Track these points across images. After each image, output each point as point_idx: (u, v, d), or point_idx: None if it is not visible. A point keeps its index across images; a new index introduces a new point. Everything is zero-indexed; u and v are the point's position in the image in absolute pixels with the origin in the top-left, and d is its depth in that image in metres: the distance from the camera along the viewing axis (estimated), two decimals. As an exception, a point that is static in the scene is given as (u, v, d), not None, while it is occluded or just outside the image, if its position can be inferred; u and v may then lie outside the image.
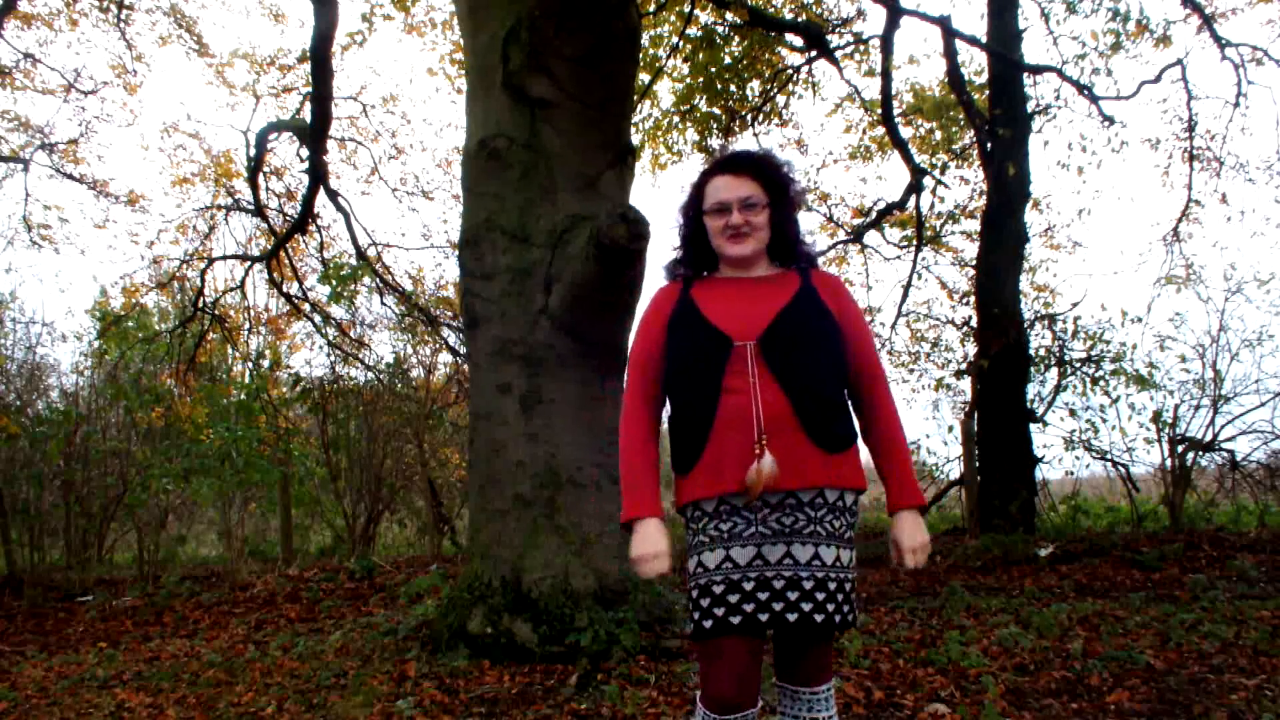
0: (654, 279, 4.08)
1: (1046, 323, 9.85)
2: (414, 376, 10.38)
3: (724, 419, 1.91)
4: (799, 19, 9.22)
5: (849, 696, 3.41)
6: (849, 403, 2.05)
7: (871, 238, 11.48)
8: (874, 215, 10.74)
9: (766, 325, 1.94)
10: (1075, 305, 13.48)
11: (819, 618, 1.87)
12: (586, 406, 4.39)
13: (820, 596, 1.88)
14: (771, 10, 9.31)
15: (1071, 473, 9.23)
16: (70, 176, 10.60)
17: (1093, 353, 9.20)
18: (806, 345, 1.94)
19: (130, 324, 10.18)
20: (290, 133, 8.95)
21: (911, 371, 11.88)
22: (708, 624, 1.88)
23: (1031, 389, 9.19)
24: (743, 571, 1.89)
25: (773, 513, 1.90)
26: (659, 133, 10.06)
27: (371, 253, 10.17)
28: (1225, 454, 8.64)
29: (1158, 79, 9.10)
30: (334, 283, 9.58)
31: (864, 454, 2.08)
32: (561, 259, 4.38)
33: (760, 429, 1.88)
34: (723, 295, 2.03)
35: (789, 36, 9.17)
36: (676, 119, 9.88)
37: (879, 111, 9.50)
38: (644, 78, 8.80)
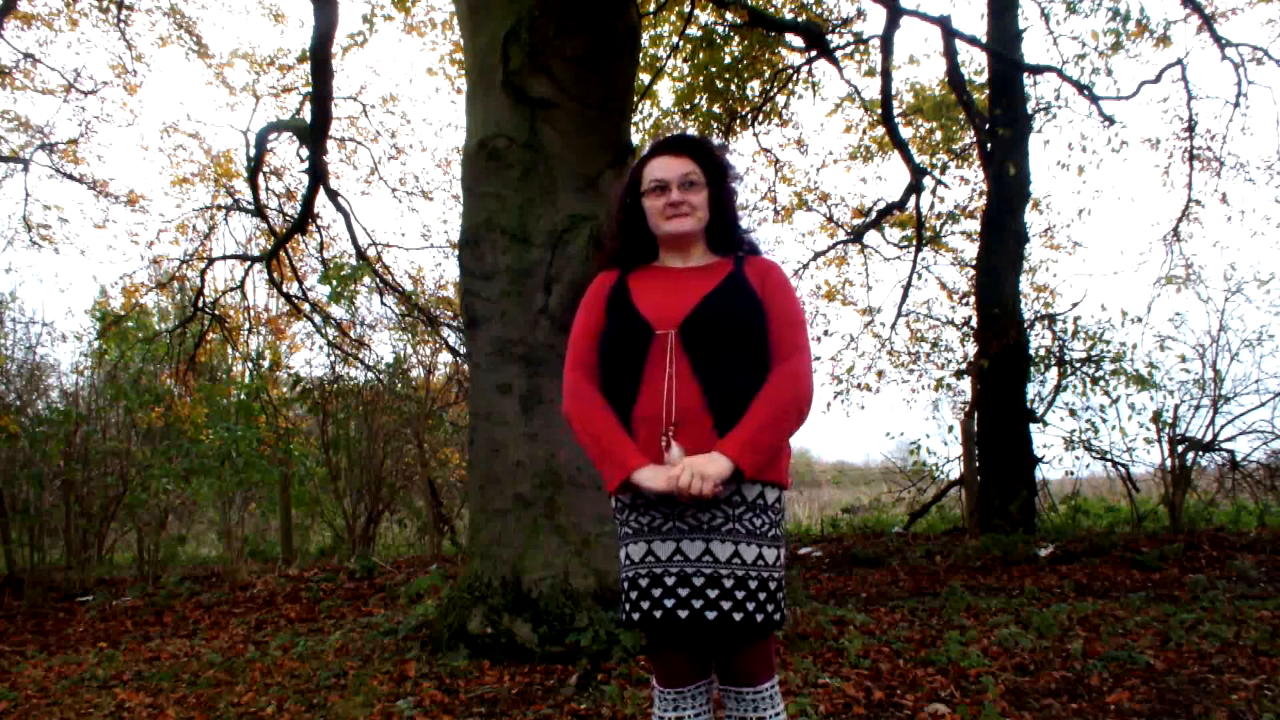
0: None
1: (1046, 323, 9.85)
2: (414, 376, 10.39)
3: (642, 410, 1.92)
4: (799, 19, 9.22)
5: (849, 696, 3.41)
6: None
7: (871, 238, 11.49)
8: (874, 215, 10.74)
9: (688, 313, 1.94)
10: (1075, 305, 13.45)
11: (738, 616, 1.87)
12: (586, 406, 4.38)
13: (740, 595, 1.87)
14: (771, 10, 9.31)
15: (1071, 473, 9.24)
16: (70, 176, 10.60)
17: (1093, 353, 9.20)
18: (727, 334, 1.93)
19: (130, 324, 10.18)
20: (290, 133, 8.95)
21: (911, 371, 11.88)
22: (635, 616, 1.92)
23: (1031, 389, 9.20)
24: (664, 566, 1.90)
25: (689, 509, 1.90)
26: (659, 132, 10.06)
27: (371, 253, 10.18)
28: (1225, 454, 8.65)
29: (1158, 79, 9.11)
30: (334, 283, 9.58)
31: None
32: (561, 259, 4.39)
33: (668, 421, 1.88)
34: (655, 283, 2.05)
35: (789, 36, 9.17)
36: (677, 119, 9.88)
37: (879, 111, 9.50)
38: (644, 78, 8.80)
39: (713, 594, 1.87)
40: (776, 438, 1.90)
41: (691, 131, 9.13)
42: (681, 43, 8.87)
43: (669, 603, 1.88)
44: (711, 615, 1.86)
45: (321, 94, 7.63)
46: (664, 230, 2.06)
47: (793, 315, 2.01)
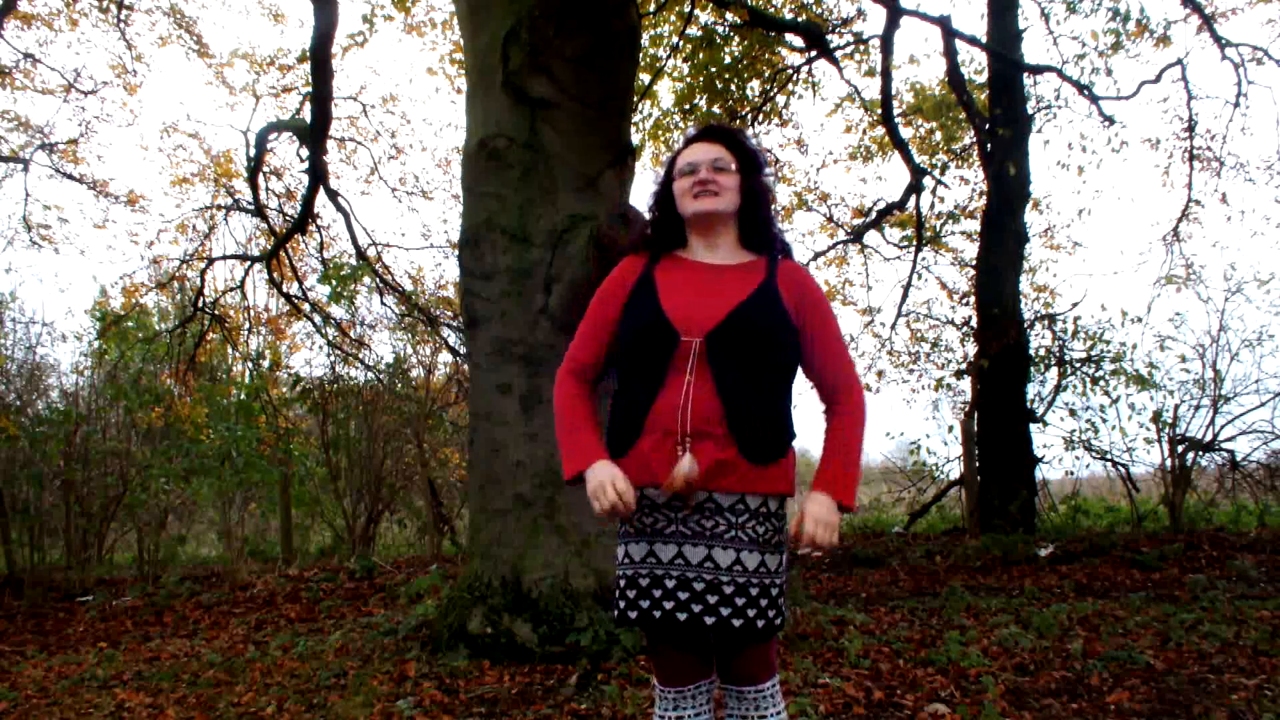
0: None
1: (1046, 323, 9.85)
2: (414, 376, 10.39)
3: (657, 413, 1.90)
4: (799, 19, 9.21)
5: (849, 696, 3.41)
6: (790, 409, 2.00)
7: (871, 238, 11.50)
8: (874, 215, 10.73)
9: (717, 323, 1.91)
10: (1075, 305, 13.48)
11: (737, 623, 1.86)
12: (586, 406, 4.39)
13: (740, 602, 1.86)
14: (771, 10, 9.31)
15: (1071, 473, 9.25)
16: (70, 176, 10.60)
17: (1093, 353, 9.20)
18: (754, 349, 1.90)
19: (130, 324, 10.18)
20: (290, 133, 8.94)
21: (911, 371, 11.89)
22: (632, 614, 1.92)
23: (1031, 389, 9.20)
24: (665, 568, 1.89)
25: (693, 513, 1.89)
26: (659, 133, 10.07)
27: (371, 253, 10.17)
28: (1225, 454, 8.66)
29: (1158, 79, 9.11)
30: (334, 283, 9.58)
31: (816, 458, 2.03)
32: (561, 259, 4.38)
33: (685, 430, 1.87)
34: (684, 280, 2.00)
35: (789, 36, 9.17)
36: (677, 119, 9.88)
37: (879, 111, 9.50)
38: (644, 78, 8.80)
39: (712, 600, 1.86)
40: (859, 468, 2.00)
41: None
42: (681, 43, 8.87)
43: (668, 605, 1.88)
44: (710, 620, 1.86)
45: (321, 94, 7.63)
46: (690, 210, 2.01)
47: (838, 335, 2.03)
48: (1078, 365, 9.25)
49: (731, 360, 1.89)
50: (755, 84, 9.81)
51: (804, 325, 1.98)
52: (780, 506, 1.96)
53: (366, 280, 10.01)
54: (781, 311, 1.95)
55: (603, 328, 2.04)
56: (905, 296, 10.21)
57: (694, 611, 1.86)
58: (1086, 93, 8.77)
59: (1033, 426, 8.94)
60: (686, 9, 8.66)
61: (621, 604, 1.94)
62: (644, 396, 1.92)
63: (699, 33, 8.91)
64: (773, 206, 2.15)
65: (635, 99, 6.93)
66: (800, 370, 2.03)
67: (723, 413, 1.87)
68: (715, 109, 9.46)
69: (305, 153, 8.44)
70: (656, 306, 1.95)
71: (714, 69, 9.01)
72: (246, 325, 11.41)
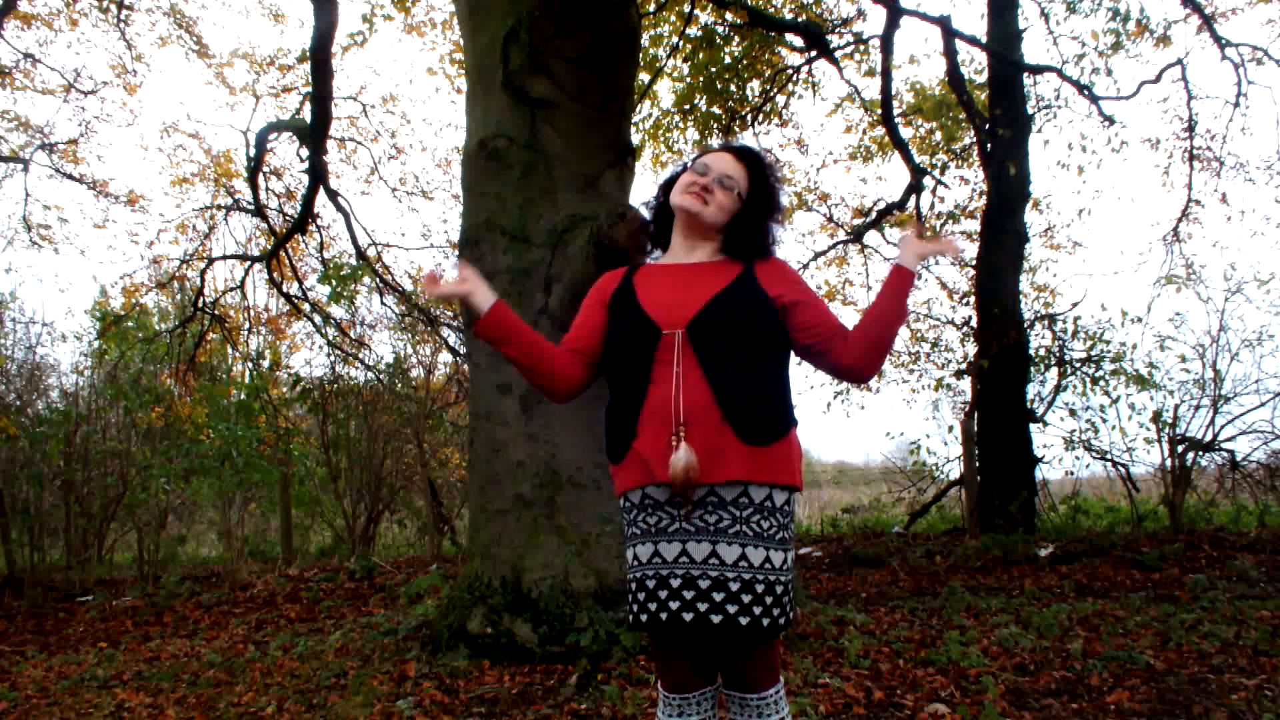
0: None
1: (1046, 323, 9.84)
2: (414, 376, 10.39)
3: (649, 410, 1.90)
4: (799, 19, 9.22)
5: (849, 696, 3.41)
6: (786, 390, 2.00)
7: (871, 238, 11.50)
8: (874, 215, 10.74)
9: (696, 312, 1.92)
10: (1075, 305, 13.49)
11: (744, 620, 1.84)
12: (586, 406, 4.36)
13: (746, 599, 1.85)
14: (771, 10, 9.31)
15: (1071, 473, 9.23)
16: (70, 176, 10.60)
17: (1093, 353, 9.19)
18: (736, 333, 1.91)
19: (130, 324, 10.17)
20: (290, 133, 8.95)
21: (911, 372, 11.88)
22: (644, 618, 1.91)
23: (1031, 389, 9.19)
24: (670, 567, 1.88)
25: (695, 509, 1.88)
26: (659, 132, 10.07)
27: (371, 253, 10.17)
28: (1225, 454, 8.65)
29: (1158, 79, 9.11)
30: (334, 283, 9.58)
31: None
32: (561, 259, 4.38)
33: (678, 420, 1.86)
34: (661, 281, 2.03)
35: (789, 36, 9.18)
36: (677, 119, 9.88)
37: (879, 111, 9.51)
38: (644, 78, 8.80)
39: (719, 597, 1.85)
40: (900, 321, 2.01)
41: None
42: (681, 43, 8.87)
43: (674, 605, 1.86)
44: (717, 619, 1.84)
45: (321, 94, 7.63)
46: (675, 201, 2.05)
47: (819, 300, 2.05)
48: (1078, 365, 9.25)
49: (716, 347, 1.90)
50: (755, 84, 9.82)
51: (788, 304, 1.97)
52: (786, 502, 1.93)
53: (366, 280, 10.02)
54: (761, 296, 1.96)
55: (587, 322, 2.07)
56: (905, 296, 10.19)
57: (700, 611, 1.84)
58: (1086, 93, 8.77)
59: (1033, 426, 8.94)
60: (686, 9, 8.67)
61: (634, 608, 1.93)
62: (634, 397, 1.93)
63: (699, 33, 8.91)
64: (770, 244, 2.12)
65: (635, 99, 6.93)
66: (801, 353, 2.02)
67: (714, 397, 1.87)
68: (715, 109, 9.47)
69: (305, 153, 8.45)
70: (636, 307, 1.98)
71: (714, 69, 9.02)
72: (246, 325, 11.42)
